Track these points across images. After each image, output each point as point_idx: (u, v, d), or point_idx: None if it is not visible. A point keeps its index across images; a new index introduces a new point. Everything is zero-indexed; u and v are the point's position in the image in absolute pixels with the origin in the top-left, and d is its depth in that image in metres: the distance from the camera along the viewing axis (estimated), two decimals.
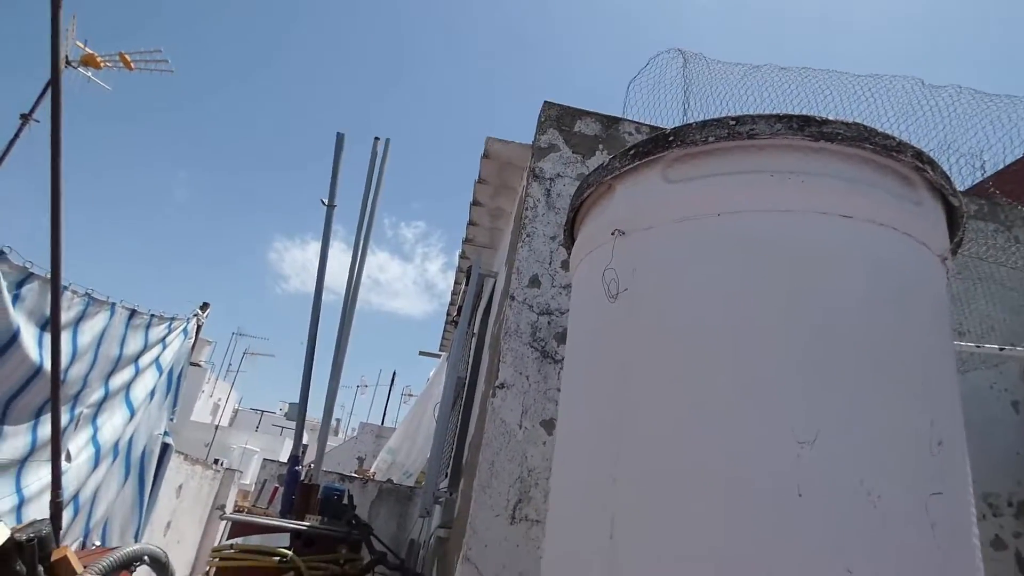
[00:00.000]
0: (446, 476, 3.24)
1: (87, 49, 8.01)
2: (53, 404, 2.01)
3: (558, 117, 2.99)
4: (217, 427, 26.26)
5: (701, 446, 1.06)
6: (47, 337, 3.84)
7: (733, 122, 1.27)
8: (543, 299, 2.58)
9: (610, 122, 3.04)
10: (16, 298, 3.53)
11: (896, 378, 1.11)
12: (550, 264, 2.65)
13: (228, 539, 3.23)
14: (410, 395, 28.17)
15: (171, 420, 5.77)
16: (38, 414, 3.87)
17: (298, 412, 3.94)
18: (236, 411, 35.21)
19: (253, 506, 4.30)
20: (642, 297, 1.23)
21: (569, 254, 1.73)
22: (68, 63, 7.90)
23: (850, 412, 1.04)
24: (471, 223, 3.81)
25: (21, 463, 3.77)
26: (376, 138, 4.71)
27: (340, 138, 4.50)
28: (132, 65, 8.40)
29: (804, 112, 1.32)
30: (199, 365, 26.47)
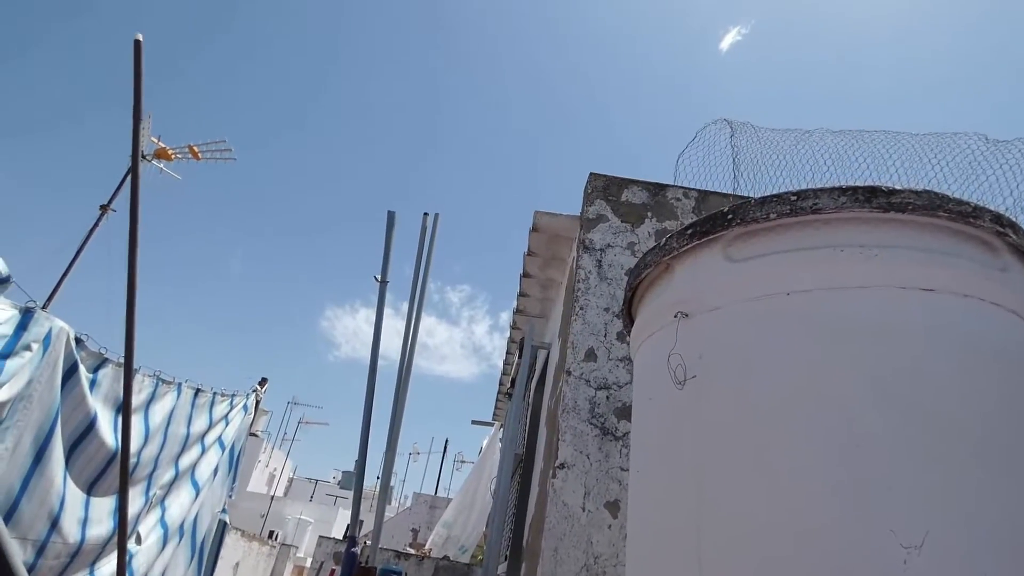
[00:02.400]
0: (505, 559, 3.12)
1: (160, 143, 8.69)
2: (121, 493, 2.06)
3: (605, 187, 3.02)
4: (273, 497, 26.40)
5: (789, 552, 0.98)
6: (121, 420, 3.99)
7: (795, 197, 1.24)
8: (600, 373, 2.52)
9: (657, 189, 3.05)
10: (93, 383, 3.69)
11: (1008, 467, 1.01)
12: (605, 336, 2.60)
13: None
14: (463, 462, 27.77)
15: (230, 497, 5.82)
16: (117, 498, 3.96)
17: (354, 492, 3.91)
18: (291, 480, 35.39)
19: None
20: (712, 385, 1.18)
21: (628, 334, 1.70)
22: (144, 157, 8.56)
23: (962, 509, 0.94)
24: (522, 294, 3.81)
25: (102, 547, 3.84)
26: (425, 214, 4.83)
27: (391, 216, 4.65)
28: (199, 156, 9.04)
29: (865, 179, 1.28)
30: (256, 435, 26.94)
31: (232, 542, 6.60)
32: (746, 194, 2.96)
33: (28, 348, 3.07)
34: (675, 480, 1.18)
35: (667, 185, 3.07)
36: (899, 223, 1.20)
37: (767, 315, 1.18)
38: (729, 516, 1.06)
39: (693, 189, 3.07)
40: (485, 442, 7.35)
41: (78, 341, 3.51)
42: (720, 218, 1.32)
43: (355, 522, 3.81)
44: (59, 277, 7.45)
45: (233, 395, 5.67)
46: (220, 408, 5.42)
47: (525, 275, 3.55)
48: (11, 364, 2.97)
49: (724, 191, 3.03)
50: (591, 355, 2.55)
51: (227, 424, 5.57)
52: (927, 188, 1.23)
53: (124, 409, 2.05)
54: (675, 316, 1.33)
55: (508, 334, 4.63)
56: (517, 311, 4.01)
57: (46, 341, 3.20)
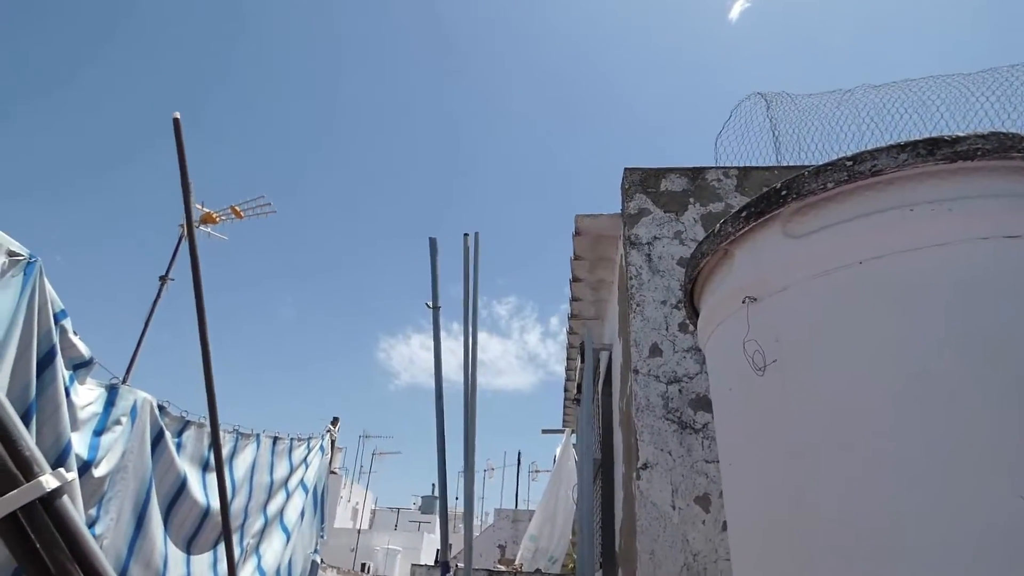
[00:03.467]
0: (599, 566, 3.09)
1: (205, 209, 9.08)
2: (227, 546, 2.13)
3: (642, 180, 2.98)
4: (359, 531, 26.91)
5: (898, 528, 0.93)
6: (208, 477, 4.15)
7: (850, 162, 1.20)
8: (668, 367, 2.48)
9: (695, 173, 2.99)
10: (179, 446, 3.85)
11: None
12: (667, 330, 2.56)
13: None
14: (537, 471, 27.71)
15: (322, 537, 5.97)
16: (214, 553, 4.12)
17: (440, 517, 3.95)
18: (374, 512, 36.02)
19: None
20: (795, 367, 1.14)
21: (694, 326, 1.66)
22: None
23: None
24: (574, 299, 3.80)
25: None
26: (465, 234, 4.88)
27: (433, 243, 4.71)
28: (242, 215, 9.40)
29: (917, 131, 1.23)
30: (335, 472, 27.58)
31: None
32: (790, 165, 2.87)
33: (118, 423, 3.23)
34: (771, 469, 1.15)
35: (705, 168, 3.01)
36: (969, 172, 1.14)
37: (841, 288, 1.14)
38: (833, 499, 1.02)
39: (733, 167, 3.00)
40: (558, 450, 7.32)
41: (161, 408, 3.68)
42: (774, 195, 1.29)
43: (444, 546, 3.84)
44: (133, 348, 7.82)
45: (309, 438, 5.83)
46: (298, 452, 5.57)
47: (575, 279, 3.54)
48: (105, 439, 3.13)
49: (768, 166, 2.95)
50: (656, 350, 2.51)
51: (307, 467, 5.73)
52: (993, 131, 1.17)
53: (217, 465, 2.13)
54: (743, 302, 1.29)
55: (566, 340, 4.62)
56: (572, 316, 4.00)
57: (133, 413, 3.36)
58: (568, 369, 5.09)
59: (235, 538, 4.51)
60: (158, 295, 8.43)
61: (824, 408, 1.07)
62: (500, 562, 10.81)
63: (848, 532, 1.00)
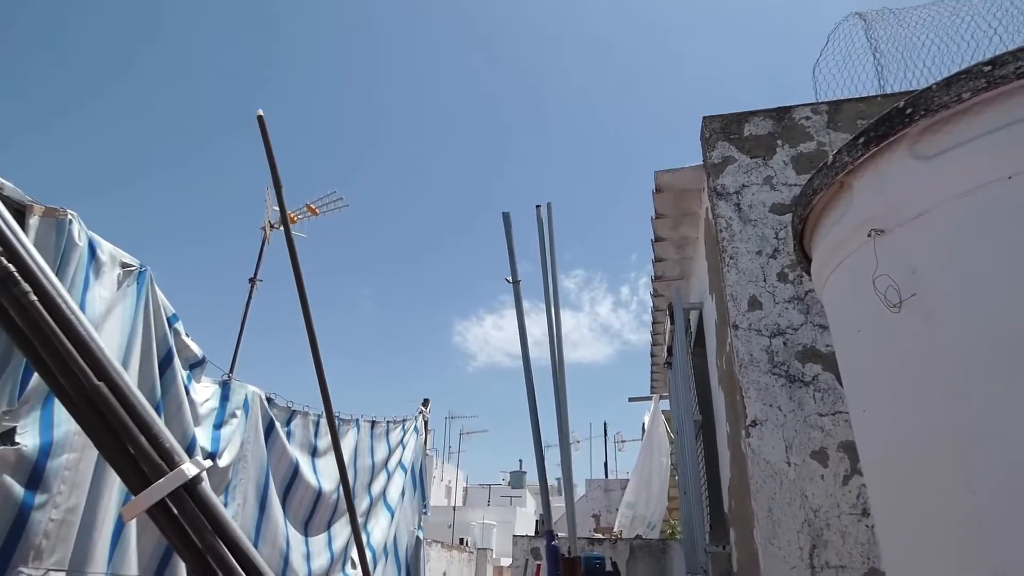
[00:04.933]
0: (708, 528, 3.03)
1: None
2: (353, 525, 2.23)
3: (723, 127, 2.83)
4: (455, 508, 27.83)
5: None
6: (317, 462, 4.38)
7: (988, 67, 1.07)
8: (770, 319, 2.37)
9: (781, 114, 2.81)
10: (289, 435, 4.07)
11: None
12: (765, 281, 2.44)
13: None
14: (623, 441, 27.64)
15: (425, 514, 6.20)
16: (328, 533, 4.36)
17: (540, 489, 4.00)
18: (466, 489, 37.13)
19: None
20: (939, 299, 1.05)
21: (806, 271, 1.57)
22: (272, 226, 9.36)
23: None
24: (657, 259, 3.69)
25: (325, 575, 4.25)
26: (537, 206, 4.83)
27: (507, 217, 4.70)
28: (317, 211, 9.74)
29: None
30: (427, 454, 28.59)
31: (436, 554, 7.03)
32: (891, 92, 2.64)
33: (234, 416, 3.44)
34: (923, 411, 1.06)
35: (791, 106, 2.82)
36: None
37: (988, 207, 1.03)
38: (1004, 435, 0.93)
39: (823, 103, 2.80)
40: (647, 417, 7.24)
41: (269, 400, 3.89)
42: (898, 115, 1.17)
43: (548, 516, 3.89)
44: (233, 348, 8.31)
45: (403, 420, 6.03)
46: (395, 435, 5.78)
47: (657, 239, 3.43)
48: (224, 432, 3.34)
49: (864, 95, 2.73)
50: (755, 303, 2.40)
51: (404, 448, 5.93)
52: None
53: (336, 450, 2.23)
54: (868, 235, 1.20)
55: (651, 303, 4.51)
56: (656, 278, 3.89)
57: (246, 406, 3.57)
58: (655, 334, 4.99)
59: (345, 519, 4.75)
60: (249, 296, 8.90)
61: (982, 340, 0.98)
62: (596, 530, 10.90)
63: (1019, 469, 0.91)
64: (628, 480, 13.13)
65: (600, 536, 6.43)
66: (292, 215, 9.60)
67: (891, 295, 1.13)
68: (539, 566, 5.01)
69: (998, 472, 0.92)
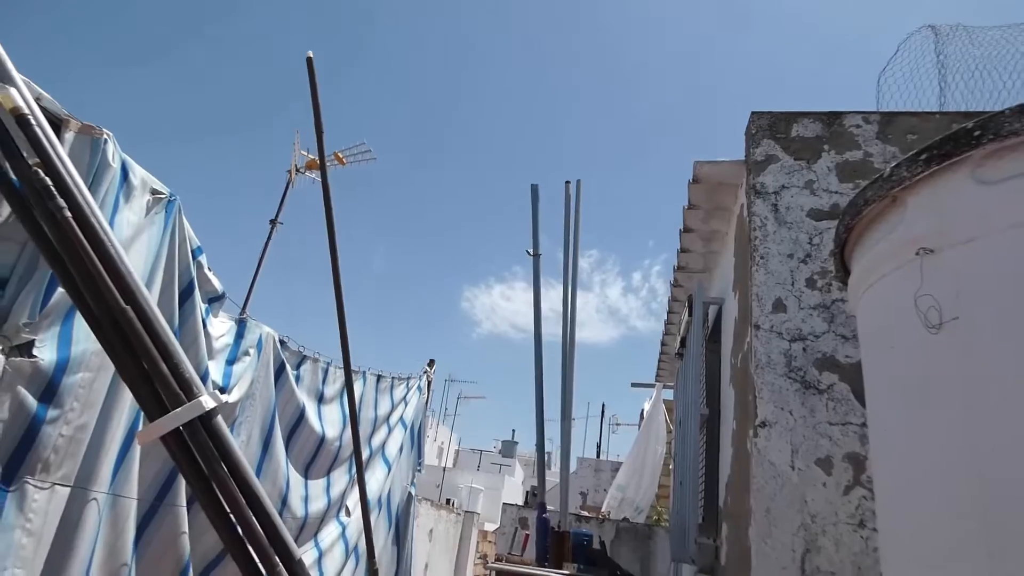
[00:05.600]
0: (700, 520, 3.06)
1: (310, 155, 9.45)
2: (359, 478, 2.28)
3: (770, 125, 2.78)
4: (444, 469, 28.32)
5: None
6: (323, 409, 4.45)
7: None
8: (792, 324, 2.35)
9: (831, 119, 2.75)
10: (298, 379, 4.13)
11: None
12: (792, 285, 2.42)
13: None
14: (617, 424, 27.88)
15: (419, 471, 6.31)
16: (328, 478, 4.46)
17: (538, 461, 4.05)
18: (458, 452, 37.70)
19: (509, 554, 4.50)
20: (980, 325, 1.03)
21: (843, 281, 1.55)
22: (298, 170, 9.37)
23: None
24: (683, 250, 3.66)
25: (319, 521, 4.36)
26: (567, 182, 4.81)
27: (535, 190, 4.68)
28: (344, 161, 9.72)
29: None
30: (427, 414, 28.97)
31: (425, 511, 7.17)
32: (947, 111, 2.57)
33: (247, 354, 3.49)
34: (941, 431, 1.06)
35: (843, 112, 2.76)
36: None
37: None
38: (1020, 462, 0.92)
39: (875, 112, 2.73)
40: (648, 404, 7.28)
41: (282, 343, 3.94)
42: (964, 136, 1.14)
43: (542, 488, 3.96)
44: (248, 287, 8.40)
45: (408, 378, 6.10)
46: (399, 391, 5.85)
47: (686, 230, 3.40)
48: (236, 369, 3.40)
49: (923, 109, 2.65)
50: (780, 306, 2.39)
51: (406, 405, 6.01)
52: None
53: (349, 400, 2.26)
54: (916, 253, 1.18)
55: (669, 293, 4.50)
56: (679, 268, 3.86)
57: (259, 346, 3.62)
58: (668, 323, 4.98)
59: (344, 467, 4.85)
60: (268, 237, 8.95)
61: (1019, 373, 0.97)
62: (582, 507, 11.07)
63: None
64: (618, 462, 13.29)
65: (588, 514, 6.54)
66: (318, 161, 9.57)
67: (932, 316, 1.12)
68: (527, 536, 5.12)
69: (1005, 498, 0.92)
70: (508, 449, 42.07)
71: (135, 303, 1.65)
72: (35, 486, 2.18)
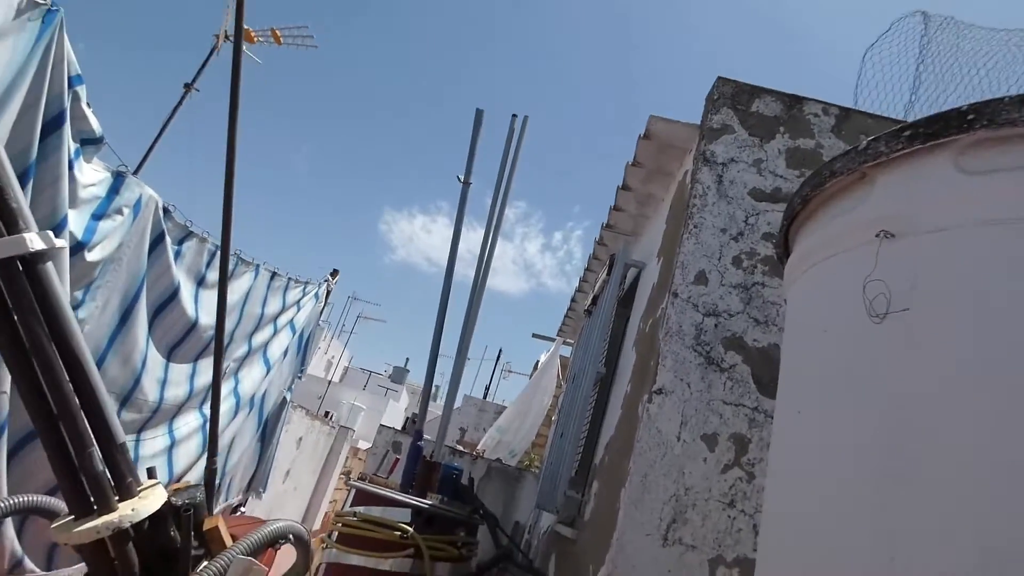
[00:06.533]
0: (573, 474, 3.06)
1: (243, 26, 8.49)
2: (216, 372, 2.03)
3: (733, 95, 2.66)
4: (330, 383, 27.95)
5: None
6: (202, 293, 4.07)
7: None
8: (710, 299, 2.30)
9: (793, 102, 2.67)
10: (177, 255, 3.72)
11: None
12: (719, 260, 2.36)
13: (352, 506, 3.26)
14: (509, 371, 28.51)
15: (299, 378, 6.05)
16: (194, 365, 4.11)
17: (423, 388, 3.92)
18: (347, 368, 37.29)
19: (374, 475, 4.40)
20: (932, 321, 0.95)
21: (782, 258, 1.46)
22: (226, 37, 8.41)
23: None
24: (616, 208, 3.55)
25: (177, 408, 4.04)
26: (514, 115, 4.54)
27: (479, 114, 4.39)
28: (281, 40, 8.83)
29: None
30: (320, 325, 28.22)
31: (297, 419, 6.95)
32: (922, 108, 2.55)
33: (119, 212, 3.06)
34: (863, 422, 0.98)
35: (805, 98, 2.68)
36: None
37: (1020, 242, 0.92)
38: (952, 462, 0.86)
39: (835, 105, 2.68)
40: (544, 357, 7.35)
41: (165, 211, 3.51)
42: (956, 119, 1.04)
43: (423, 417, 3.86)
44: (146, 149, 7.57)
45: (306, 283, 5.75)
46: (293, 294, 5.50)
47: (624, 187, 3.27)
48: (103, 225, 2.97)
49: (903, 105, 2.62)
50: (702, 278, 2.32)
51: (299, 310, 5.68)
52: None
53: (220, 288, 1.99)
54: (876, 236, 1.08)
55: (592, 250, 4.41)
56: (607, 226, 3.76)
57: (136, 207, 3.19)
58: (584, 281, 4.93)
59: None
60: (180, 101, 8.06)
61: (967, 372, 0.89)
62: (460, 442, 11.25)
63: (954, 507, 0.84)
64: (503, 406, 13.57)
65: (463, 449, 6.57)
66: (253, 35, 8.66)
67: (878, 303, 1.03)
68: (396, 460, 5.04)
69: (922, 494, 0.85)
70: (398, 375, 42.10)
71: None
72: None
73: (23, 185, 2.49)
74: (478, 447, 7.16)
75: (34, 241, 1.35)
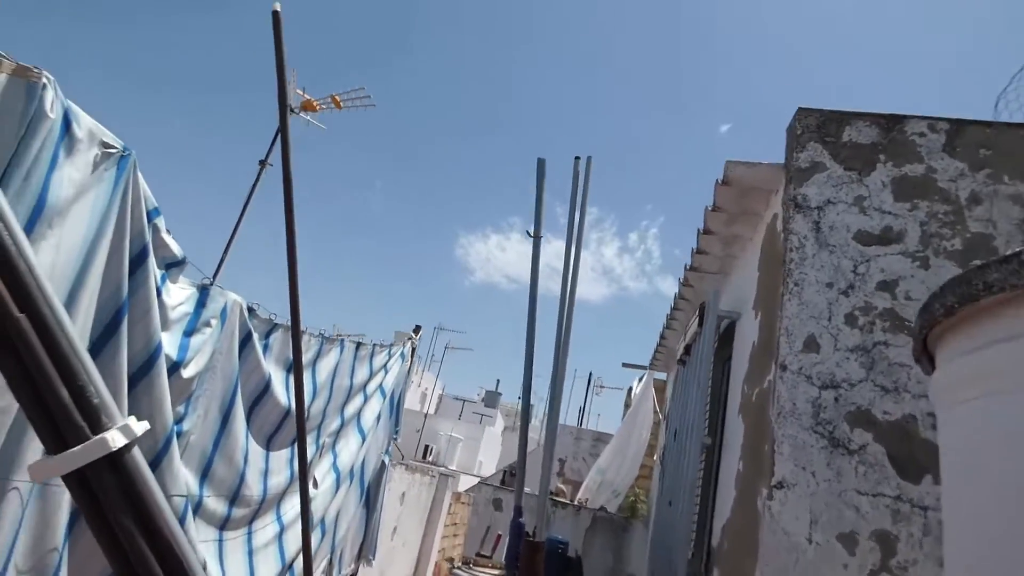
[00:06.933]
0: (690, 547, 2.82)
1: (306, 95, 8.89)
2: (300, 447, 1.99)
3: (819, 126, 2.39)
4: (426, 415, 28.55)
5: None
6: (291, 379, 4.16)
7: None
8: (825, 367, 2.04)
9: (891, 123, 2.37)
10: (265, 348, 3.82)
11: None
12: (829, 320, 2.09)
13: None
14: (601, 387, 28.04)
15: (395, 439, 6.10)
16: (291, 450, 4.20)
17: (517, 476, 3.79)
18: (441, 397, 38.00)
19: (478, 554, 4.31)
20: None
21: (922, 361, 1.22)
22: (292, 110, 8.81)
23: None
24: (699, 251, 3.30)
25: (282, 493, 4.13)
26: (577, 157, 4.40)
27: (541, 164, 4.27)
28: (341, 104, 9.16)
29: None
30: (410, 381, 28.99)
31: (398, 475, 7.02)
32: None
33: (208, 324, 3.16)
34: None
35: (905, 117, 2.37)
36: None
37: None
38: None
39: (943, 119, 2.35)
40: (637, 387, 7.07)
41: (250, 310, 3.60)
42: None
43: (520, 490, 3.73)
44: (227, 240, 7.98)
45: (391, 345, 5.81)
46: (379, 359, 5.56)
47: (705, 231, 3.03)
48: (195, 341, 3.07)
49: (992, 120, 2.27)
50: (812, 344, 2.07)
51: (386, 372, 5.74)
52: None
53: (295, 364, 1.95)
54: None
55: (676, 290, 4.16)
56: (691, 268, 3.52)
57: (223, 315, 3.29)
58: (672, 319, 4.67)
59: (312, 437, 4.60)
60: (256, 179, 8.49)
61: None
62: (559, 474, 11.05)
63: None
64: (599, 432, 13.24)
65: (564, 499, 6.39)
66: (316, 103, 9.03)
67: None
68: (499, 537, 4.93)
69: None
70: (491, 399, 42.46)
71: (33, 310, 1.31)
72: None
73: (119, 321, 2.60)
74: (579, 494, 6.96)
75: (116, 439, 1.34)
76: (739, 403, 2.59)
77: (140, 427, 1.50)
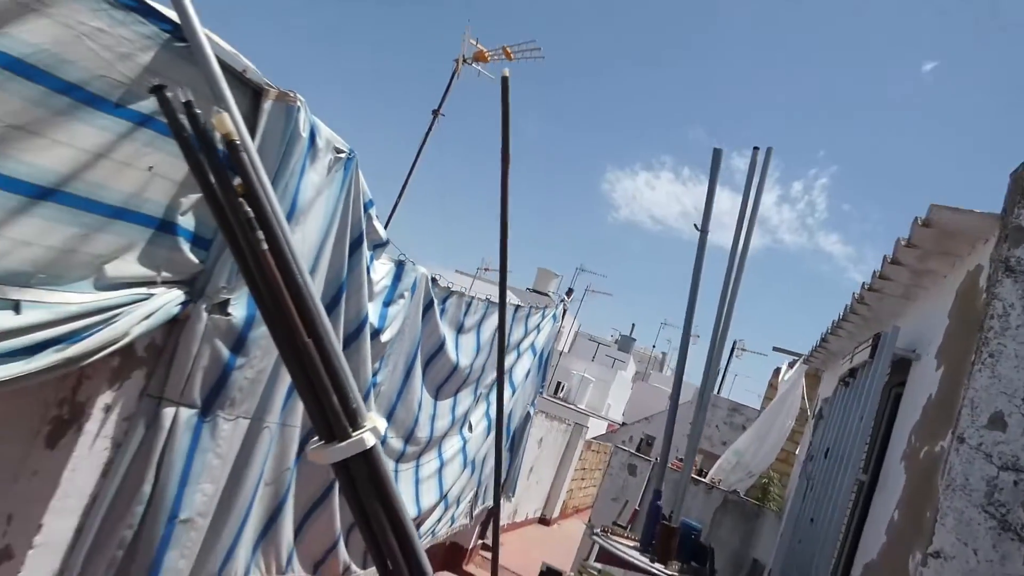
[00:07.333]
0: (832, 566, 2.90)
1: (479, 46, 9.16)
2: (498, 404, 2.35)
3: None
4: (561, 353, 29.44)
5: None
6: (460, 338, 4.65)
7: None
8: (1009, 449, 1.97)
9: None
10: (442, 312, 4.30)
11: None
12: (1023, 401, 2.00)
13: (596, 559, 3.52)
14: (743, 350, 26.96)
15: (540, 393, 6.57)
16: (454, 398, 4.79)
17: (661, 458, 3.99)
18: (576, 335, 38.73)
19: (615, 524, 4.65)
20: None
21: None
22: (465, 60, 9.15)
23: None
24: (882, 277, 3.14)
25: (444, 434, 4.74)
26: (755, 148, 4.26)
27: (717, 155, 4.19)
28: (512, 56, 9.32)
29: None
30: (547, 295, 29.75)
31: (538, 422, 7.59)
32: None
33: (402, 296, 3.65)
34: None
35: None
36: None
37: None
38: None
39: None
40: (788, 375, 6.86)
41: (433, 280, 4.07)
42: None
43: (661, 477, 3.94)
44: (406, 175, 8.65)
45: (545, 307, 6.18)
46: (534, 319, 5.95)
47: (894, 262, 2.88)
48: (391, 311, 3.57)
49: None
50: (998, 421, 2.01)
51: (539, 332, 6.14)
52: None
53: (500, 327, 2.28)
54: None
55: (849, 304, 3.98)
56: (869, 288, 3.35)
57: (413, 287, 3.76)
58: (838, 327, 4.47)
59: (471, 388, 5.14)
60: (429, 128, 9.04)
61: None
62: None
63: None
64: (737, 403, 12.96)
65: (696, 477, 6.51)
66: (487, 54, 9.28)
67: None
68: (635, 512, 5.22)
69: None
70: (625, 344, 42.53)
71: (316, 335, 1.71)
72: (224, 418, 2.53)
73: (339, 297, 3.12)
74: (711, 473, 7.03)
75: (369, 439, 1.74)
76: (904, 450, 2.55)
77: (382, 426, 1.91)
